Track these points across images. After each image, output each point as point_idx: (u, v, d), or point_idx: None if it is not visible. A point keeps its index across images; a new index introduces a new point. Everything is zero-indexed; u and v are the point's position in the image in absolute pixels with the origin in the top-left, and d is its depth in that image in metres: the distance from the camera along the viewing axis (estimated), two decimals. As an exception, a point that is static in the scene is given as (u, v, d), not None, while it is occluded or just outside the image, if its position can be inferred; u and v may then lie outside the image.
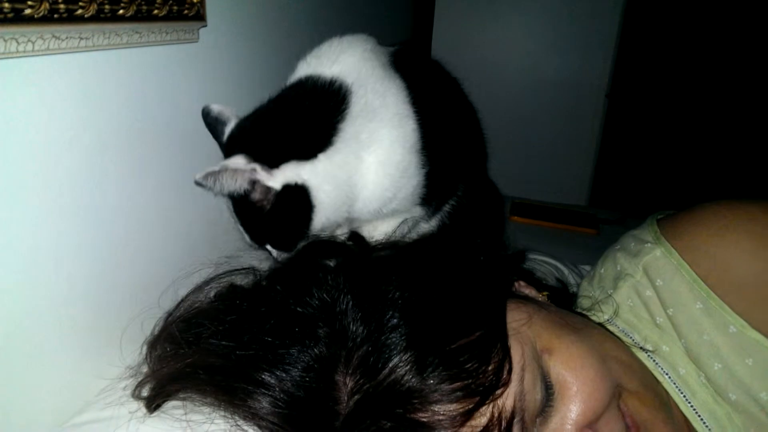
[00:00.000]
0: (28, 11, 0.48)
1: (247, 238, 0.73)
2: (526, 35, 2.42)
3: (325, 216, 0.71)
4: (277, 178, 0.68)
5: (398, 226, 0.82)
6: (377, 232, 0.81)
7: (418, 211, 0.83)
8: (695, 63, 2.58)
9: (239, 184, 0.66)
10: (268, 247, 0.72)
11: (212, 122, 0.74)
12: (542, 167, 2.48)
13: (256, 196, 0.68)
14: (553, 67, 2.39)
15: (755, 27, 2.43)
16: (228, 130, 0.73)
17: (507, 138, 2.35)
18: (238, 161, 0.65)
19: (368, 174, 0.73)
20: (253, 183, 0.67)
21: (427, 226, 0.88)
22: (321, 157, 0.70)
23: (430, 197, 0.82)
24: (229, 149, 0.71)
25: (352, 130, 0.71)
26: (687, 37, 2.57)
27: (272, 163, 0.67)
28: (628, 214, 1.58)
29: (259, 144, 0.68)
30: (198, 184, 0.65)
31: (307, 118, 0.71)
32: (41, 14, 0.49)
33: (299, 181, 0.69)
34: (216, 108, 0.74)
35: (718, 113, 2.59)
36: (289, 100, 0.74)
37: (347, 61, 0.75)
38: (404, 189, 0.77)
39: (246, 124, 0.72)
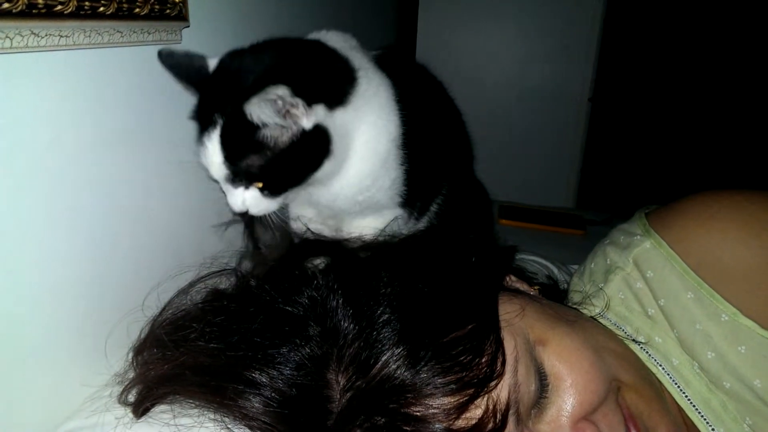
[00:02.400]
0: (5, 5, 0.47)
1: (224, 172, 0.67)
2: (509, 41, 2.44)
3: (330, 168, 0.70)
4: (311, 118, 0.65)
5: (385, 226, 0.82)
6: (357, 229, 0.80)
7: (399, 212, 0.83)
8: (676, 66, 2.63)
9: (273, 116, 0.63)
10: (251, 193, 0.68)
11: (180, 58, 0.69)
12: (529, 171, 2.50)
13: (275, 132, 0.65)
14: (537, 72, 2.42)
15: (735, 30, 2.48)
16: (214, 62, 0.70)
17: (493, 143, 2.36)
18: (286, 92, 0.61)
19: (353, 155, 0.73)
20: (287, 117, 0.64)
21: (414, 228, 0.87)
22: (339, 110, 0.69)
23: (412, 197, 0.82)
24: (235, 79, 0.67)
25: (356, 102, 0.71)
26: (667, 41, 2.61)
27: (308, 100, 0.65)
28: (615, 215, 1.59)
29: (297, 79, 0.63)
30: (244, 106, 0.62)
31: (331, 71, 0.70)
32: (19, 9, 0.48)
33: (325, 125, 0.67)
34: (179, 49, 0.71)
35: (700, 114, 2.63)
36: (311, 49, 0.73)
37: (344, 46, 0.75)
38: (381, 180, 0.76)
39: (267, 58, 0.69)
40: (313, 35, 0.78)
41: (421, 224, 0.88)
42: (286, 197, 0.71)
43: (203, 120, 0.68)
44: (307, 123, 0.65)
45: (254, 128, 0.64)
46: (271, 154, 0.65)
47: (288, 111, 0.64)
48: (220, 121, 0.65)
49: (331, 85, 0.70)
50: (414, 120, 0.77)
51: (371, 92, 0.73)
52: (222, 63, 0.70)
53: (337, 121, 0.68)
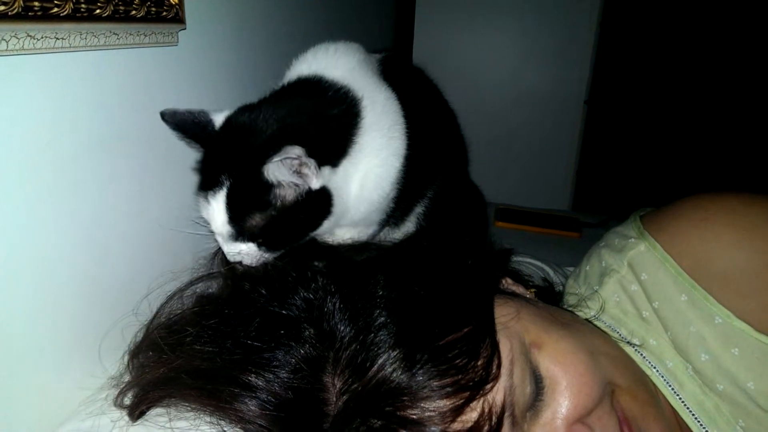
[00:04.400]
0: (1, 7, 0.47)
1: (227, 230, 0.67)
2: (506, 44, 2.45)
3: (332, 222, 0.70)
4: (319, 179, 0.66)
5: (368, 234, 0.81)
6: (337, 238, 0.80)
7: (375, 229, 0.82)
8: (672, 69, 2.63)
9: (288, 176, 0.63)
10: (247, 246, 0.67)
11: (184, 117, 0.69)
12: (525, 173, 2.51)
13: (284, 192, 0.65)
14: (533, 75, 2.42)
15: (732, 33, 2.49)
16: (220, 117, 0.70)
17: (489, 145, 2.37)
18: (301, 152, 0.62)
19: (357, 188, 0.72)
20: (300, 177, 0.64)
21: (398, 232, 0.87)
22: (342, 164, 0.69)
23: (394, 213, 0.81)
24: (244, 137, 0.67)
25: (362, 141, 0.71)
26: (663, 44, 2.62)
27: (318, 161, 0.65)
28: (610, 217, 1.60)
29: (307, 140, 0.64)
30: (268, 162, 0.62)
31: (333, 125, 0.70)
32: (15, 11, 0.48)
33: (329, 186, 0.68)
34: (180, 108, 0.70)
35: (696, 117, 2.64)
36: (312, 99, 0.72)
37: (346, 67, 0.75)
38: (385, 202, 0.76)
39: (275, 116, 0.68)
40: (317, 58, 0.76)
41: (406, 228, 0.87)
42: (283, 252, 0.70)
43: (208, 178, 0.67)
44: (315, 183, 0.66)
45: (265, 188, 0.65)
46: (275, 213, 0.66)
47: (301, 171, 0.64)
48: (227, 183, 0.65)
49: (336, 140, 0.70)
50: (417, 135, 0.77)
51: (377, 118, 0.72)
52: (229, 121, 0.70)
53: (339, 175, 0.69)
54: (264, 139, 0.65)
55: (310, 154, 0.63)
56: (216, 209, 0.66)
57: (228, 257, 0.68)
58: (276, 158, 0.61)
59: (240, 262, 0.68)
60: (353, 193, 0.72)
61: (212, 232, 0.69)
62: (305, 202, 0.66)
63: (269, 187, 0.64)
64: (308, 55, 0.78)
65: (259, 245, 0.67)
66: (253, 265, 0.68)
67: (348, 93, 0.72)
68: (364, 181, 0.72)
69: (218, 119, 0.70)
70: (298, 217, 0.67)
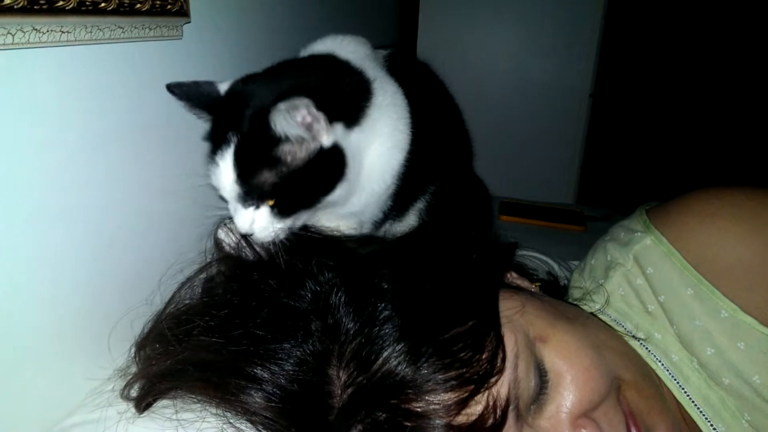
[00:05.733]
0: (7, 1, 0.47)
1: (236, 190, 0.65)
2: (510, 37, 2.44)
3: (345, 190, 0.68)
4: (331, 135, 0.64)
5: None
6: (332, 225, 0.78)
7: (369, 225, 0.82)
8: (677, 62, 2.62)
9: (297, 128, 0.61)
10: (259, 212, 0.65)
11: (190, 87, 0.69)
12: (530, 167, 2.50)
13: (293, 148, 0.63)
14: (538, 68, 2.41)
15: (736, 25, 2.47)
16: (225, 85, 0.70)
17: (494, 140, 2.36)
18: (311, 104, 0.60)
19: (365, 175, 0.72)
20: (309, 131, 0.63)
21: (400, 226, 0.87)
22: (356, 130, 0.68)
23: (392, 210, 0.81)
24: (249, 98, 0.66)
25: (373, 117, 0.70)
26: (668, 37, 2.60)
27: (329, 117, 0.64)
28: (615, 211, 1.59)
29: (317, 95, 0.62)
30: (274, 111, 0.60)
31: (347, 89, 0.69)
32: (21, 4, 0.48)
33: (342, 145, 0.66)
34: (185, 80, 0.70)
35: (702, 110, 2.63)
36: (325, 66, 0.72)
37: (358, 55, 0.75)
38: (384, 196, 0.76)
39: (282, 77, 0.69)
40: (326, 43, 0.77)
41: (407, 222, 0.87)
42: (295, 220, 0.69)
43: (215, 140, 0.66)
44: (326, 140, 0.64)
45: (273, 142, 0.63)
46: (286, 170, 0.64)
47: (310, 124, 0.62)
48: (234, 139, 0.64)
49: (349, 103, 0.69)
50: (423, 131, 0.77)
51: (387, 104, 0.72)
52: (235, 86, 0.69)
53: (352, 141, 0.68)
54: (272, 94, 0.63)
55: (319, 107, 0.61)
56: (224, 169, 0.64)
57: (240, 229, 0.66)
58: (282, 106, 0.59)
59: (251, 234, 0.66)
60: (363, 171, 0.71)
61: (224, 200, 0.68)
62: (318, 161, 0.64)
63: (278, 141, 0.62)
64: (318, 42, 0.78)
65: (271, 208, 0.65)
66: (265, 238, 0.66)
67: (361, 72, 0.72)
68: (370, 171, 0.72)
69: (224, 87, 0.70)
70: (310, 177, 0.65)
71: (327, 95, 0.65)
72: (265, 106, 0.62)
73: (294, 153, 0.64)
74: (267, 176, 0.64)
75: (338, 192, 0.68)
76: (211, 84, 0.70)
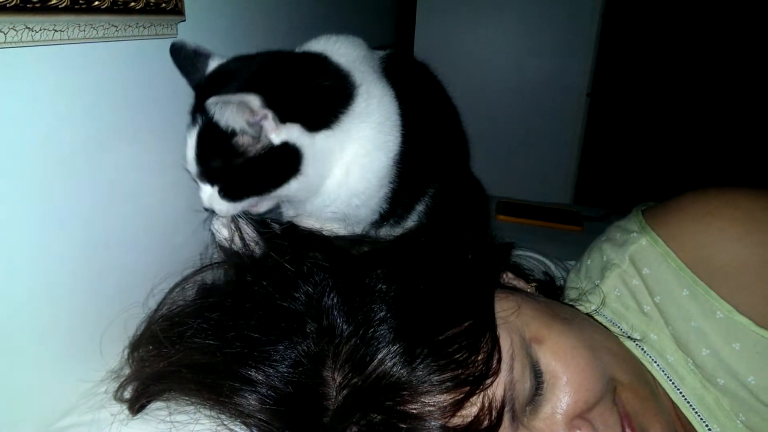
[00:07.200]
0: (-1, 0, 0.47)
1: (194, 168, 0.69)
2: (507, 36, 2.43)
3: (298, 187, 0.70)
4: (281, 134, 0.66)
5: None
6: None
7: (367, 228, 0.82)
8: (675, 61, 2.62)
9: (241, 123, 0.64)
10: (209, 189, 0.69)
11: (188, 55, 0.72)
12: (527, 167, 2.50)
13: (245, 140, 0.66)
14: (535, 68, 2.40)
15: (735, 25, 2.48)
16: (214, 64, 0.72)
17: (491, 139, 2.36)
18: (255, 101, 0.62)
19: (342, 173, 0.73)
20: (254, 127, 0.65)
21: (399, 229, 0.86)
22: (322, 134, 0.69)
23: (388, 213, 0.81)
24: (221, 83, 0.68)
25: (348, 123, 0.71)
26: (666, 36, 2.61)
27: (282, 116, 0.65)
28: (612, 211, 1.59)
29: (275, 92, 0.65)
30: (205, 106, 0.63)
31: (320, 93, 0.70)
32: (14, 3, 0.48)
33: (298, 145, 0.67)
34: (192, 43, 0.73)
35: (699, 110, 2.63)
36: (306, 65, 0.73)
37: (349, 57, 0.75)
38: (374, 198, 0.76)
39: (255, 67, 0.70)
40: (320, 44, 0.77)
41: (407, 226, 0.87)
42: (249, 205, 0.72)
43: (192, 117, 0.70)
44: (275, 138, 0.66)
45: (227, 132, 0.65)
46: (239, 161, 0.67)
47: (258, 122, 0.64)
48: (200, 121, 0.68)
49: (318, 107, 0.70)
50: (414, 135, 0.77)
51: (369, 110, 0.72)
52: (218, 67, 0.72)
53: (317, 143, 0.69)
54: (233, 85, 0.67)
55: (269, 105, 0.63)
56: (189, 146, 0.69)
57: (202, 203, 0.71)
58: (214, 99, 0.62)
59: (213, 211, 0.71)
60: (337, 175, 0.73)
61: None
62: (268, 156, 0.67)
63: (232, 132, 0.65)
64: (313, 41, 0.79)
65: (219, 192, 0.69)
66: (224, 215, 0.71)
67: (347, 77, 0.72)
68: (350, 169, 0.73)
69: (213, 64, 0.72)
70: (259, 169, 0.68)
71: (289, 94, 0.68)
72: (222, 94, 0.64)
73: (245, 144, 0.66)
74: (217, 162, 0.68)
75: (293, 186, 0.70)
76: (206, 58, 0.73)
